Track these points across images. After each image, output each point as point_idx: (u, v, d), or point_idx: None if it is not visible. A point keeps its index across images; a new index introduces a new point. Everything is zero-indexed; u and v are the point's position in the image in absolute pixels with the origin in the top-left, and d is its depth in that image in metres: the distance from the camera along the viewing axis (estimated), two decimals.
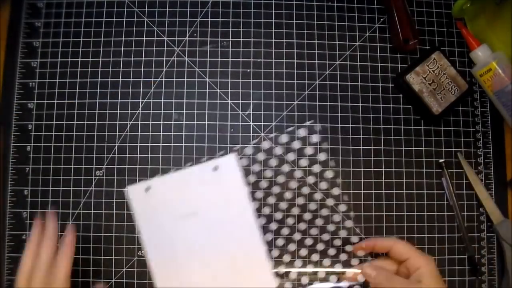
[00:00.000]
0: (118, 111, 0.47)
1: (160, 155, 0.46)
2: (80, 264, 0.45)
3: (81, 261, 0.45)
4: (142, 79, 0.48)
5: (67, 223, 0.45)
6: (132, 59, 0.48)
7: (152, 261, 0.43)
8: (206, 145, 0.47)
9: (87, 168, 0.46)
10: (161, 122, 0.47)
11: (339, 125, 0.48)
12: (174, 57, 0.48)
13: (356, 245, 0.44)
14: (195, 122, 0.47)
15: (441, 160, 0.48)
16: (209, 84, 0.48)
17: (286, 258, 0.45)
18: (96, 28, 0.48)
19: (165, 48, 0.48)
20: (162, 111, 0.47)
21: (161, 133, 0.47)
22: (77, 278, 0.45)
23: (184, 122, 0.47)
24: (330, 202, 0.46)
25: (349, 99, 0.48)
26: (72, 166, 0.46)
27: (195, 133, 0.47)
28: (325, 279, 0.45)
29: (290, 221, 0.45)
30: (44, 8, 0.49)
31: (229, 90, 0.48)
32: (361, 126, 0.48)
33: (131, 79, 0.48)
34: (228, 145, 0.47)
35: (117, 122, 0.47)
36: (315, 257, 0.45)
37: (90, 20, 0.48)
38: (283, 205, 0.45)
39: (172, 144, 0.47)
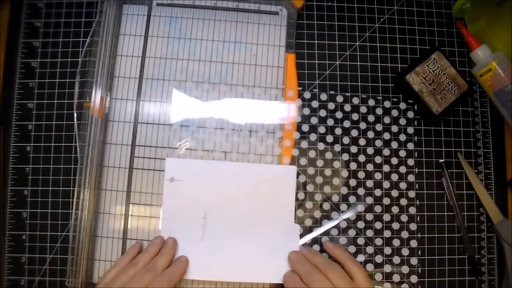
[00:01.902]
0: None
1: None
2: None
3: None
4: None
5: (68, 223, 0.45)
6: None
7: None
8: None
9: None
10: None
11: (339, 125, 0.48)
12: None
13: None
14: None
15: (441, 160, 0.48)
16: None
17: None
18: (96, 28, 0.48)
19: None
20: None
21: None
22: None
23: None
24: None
25: (349, 99, 0.48)
26: (72, 166, 0.46)
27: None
28: None
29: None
30: (44, 8, 0.49)
31: None
32: (361, 126, 0.48)
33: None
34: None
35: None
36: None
37: (90, 20, 0.48)
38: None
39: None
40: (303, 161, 0.47)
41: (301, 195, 0.46)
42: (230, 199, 0.45)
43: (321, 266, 0.41)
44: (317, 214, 0.46)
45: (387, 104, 0.48)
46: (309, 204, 0.46)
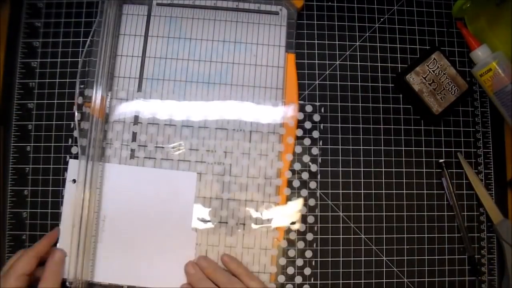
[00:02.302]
0: None
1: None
2: None
3: None
4: None
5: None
6: None
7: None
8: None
9: None
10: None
11: (339, 125, 0.48)
12: None
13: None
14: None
15: (441, 160, 0.48)
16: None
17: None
18: (97, 28, 0.48)
19: None
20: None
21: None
22: None
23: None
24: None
25: (349, 99, 0.48)
26: None
27: None
28: None
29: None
30: (44, 8, 0.49)
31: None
32: (361, 126, 0.48)
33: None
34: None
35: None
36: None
37: (90, 20, 0.48)
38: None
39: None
40: (303, 160, 0.47)
41: (304, 193, 0.46)
42: (130, 203, 0.44)
43: (220, 282, 0.41)
44: (318, 211, 0.46)
45: (387, 104, 0.49)
46: (311, 201, 0.46)
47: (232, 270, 0.43)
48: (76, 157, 0.45)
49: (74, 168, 0.45)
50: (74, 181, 0.44)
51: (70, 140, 0.46)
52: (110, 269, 0.44)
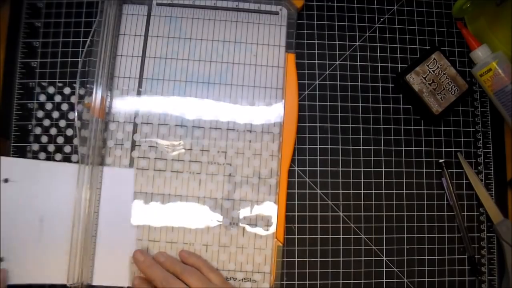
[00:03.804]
0: None
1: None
2: None
3: None
4: None
5: None
6: None
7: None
8: None
9: None
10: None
11: (339, 125, 0.48)
12: None
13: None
14: None
15: (441, 160, 0.48)
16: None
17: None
18: (97, 28, 0.48)
19: None
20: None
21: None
22: None
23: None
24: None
25: (349, 99, 0.48)
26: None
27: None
28: None
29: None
30: (44, 8, 0.49)
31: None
32: (361, 126, 0.48)
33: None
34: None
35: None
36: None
37: (90, 20, 0.48)
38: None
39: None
40: (303, 161, 0.47)
41: (303, 192, 0.46)
42: (70, 200, 0.44)
43: (178, 271, 0.40)
44: (318, 211, 0.46)
45: (387, 104, 0.49)
46: (311, 201, 0.46)
47: (192, 263, 0.42)
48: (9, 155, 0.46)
49: (6, 166, 0.44)
50: (6, 180, 0.44)
51: (31, 137, 0.46)
52: (51, 268, 0.43)
